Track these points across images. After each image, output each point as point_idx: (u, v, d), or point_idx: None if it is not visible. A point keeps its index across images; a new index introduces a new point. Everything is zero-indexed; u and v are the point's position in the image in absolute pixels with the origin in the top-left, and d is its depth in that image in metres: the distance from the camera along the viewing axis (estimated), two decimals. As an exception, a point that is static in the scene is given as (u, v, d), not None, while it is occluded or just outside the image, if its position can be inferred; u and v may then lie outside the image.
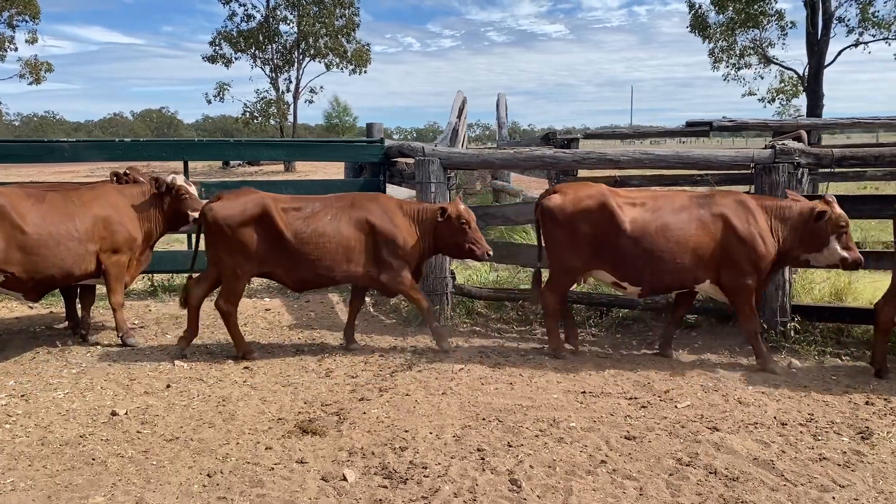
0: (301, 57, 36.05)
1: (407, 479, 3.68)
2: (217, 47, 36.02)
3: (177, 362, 5.71)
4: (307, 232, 5.62)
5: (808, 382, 5.07)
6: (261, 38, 35.61)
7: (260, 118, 35.68)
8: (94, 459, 4.00)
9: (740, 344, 5.75)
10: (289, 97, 35.96)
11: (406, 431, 4.31)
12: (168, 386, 5.19)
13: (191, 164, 8.09)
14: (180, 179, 6.25)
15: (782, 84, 28.14)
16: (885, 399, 4.75)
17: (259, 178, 28.83)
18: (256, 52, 36.07)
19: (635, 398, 4.81)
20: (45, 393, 5.06)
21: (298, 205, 5.77)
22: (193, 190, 6.27)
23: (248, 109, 35.46)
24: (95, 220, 5.91)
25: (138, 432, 4.38)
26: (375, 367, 5.57)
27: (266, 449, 4.10)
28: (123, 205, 6.12)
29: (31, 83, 37.52)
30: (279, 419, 4.55)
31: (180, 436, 4.31)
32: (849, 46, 25.93)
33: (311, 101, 38.04)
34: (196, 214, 6.03)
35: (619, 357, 5.69)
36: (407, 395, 4.93)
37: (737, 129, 9.24)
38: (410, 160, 7.82)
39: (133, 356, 5.89)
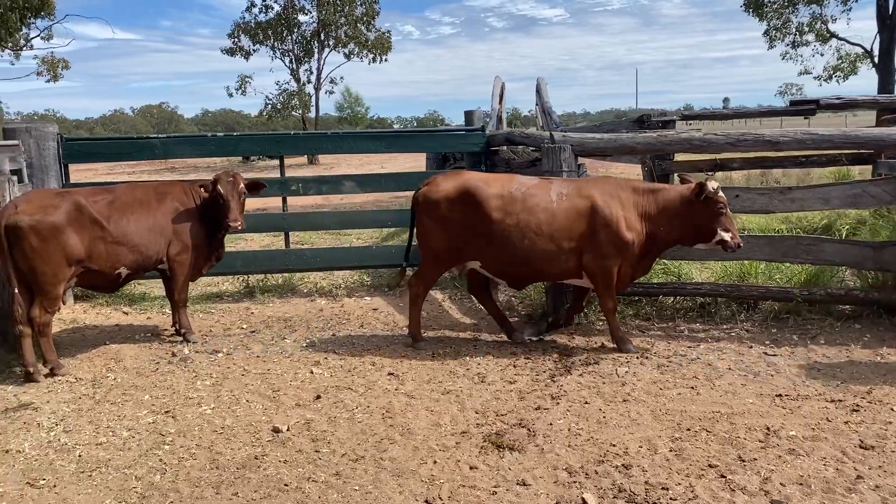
0: (321, 47, 35.56)
1: (655, 503, 3.30)
2: (236, 39, 35.57)
3: (314, 370, 5.35)
4: None
5: None
6: (280, 29, 35.16)
7: (282, 110, 35.24)
8: (286, 485, 3.64)
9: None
10: (310, 88, 35.52)
11: (613, 446, 3.93)
12: (318, 397, 4.83)
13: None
14: (720, 188, 5.28)
15: (839, 61, 27.46)
16: None
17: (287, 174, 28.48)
18: (275, 43, 35.62)
19: (839, 400, 4.42)
20: (189, 408, 4.70)
21: None
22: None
23: (271, 101, 35.02)
24: (578, 217, 5.34)
25: (316, 451, 4.01)
26: (528, 370, 5.20)
27: (471, 469, 3.73)
28: (626, 203, 5.35)
29: (48, 81, 37.11)
30: (462, 433, 4.18)
31: (364, 455, 3.95)
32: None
33: (331, 93, 37.52)
34: (728, 236, 5.21)
35: (787, 354, 5.30)
36: (586, 403, 4.55)
37: (843, 106, 8.81)
38: (517, 147, 7.43)
39: (262, 364, 5.53)
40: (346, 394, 4.87)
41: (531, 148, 7.03)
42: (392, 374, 5.24)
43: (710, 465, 3.65)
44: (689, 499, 3.33)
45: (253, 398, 4.84)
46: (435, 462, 3.82)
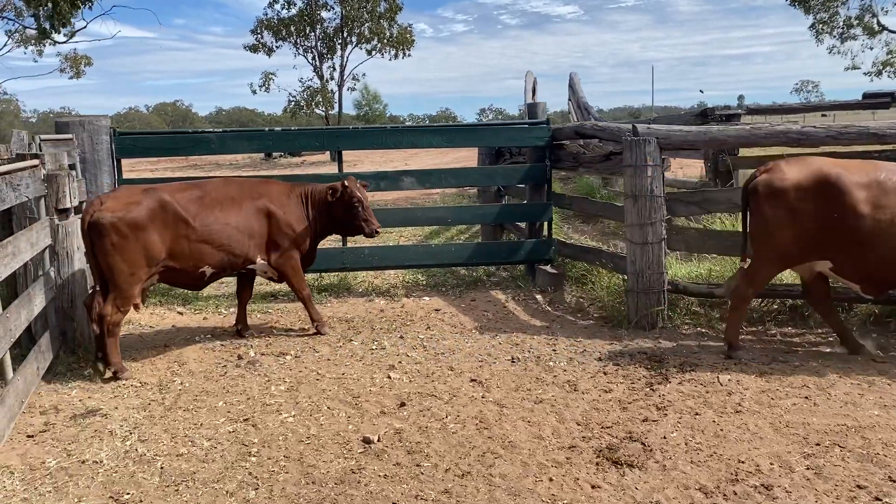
0: (344, 43, 35.34)
1: (814, 531, 2.99)
2: (259, 36, 35.41)
3: (391, 374, 5.08)
4: None
5: None
6: (303, 26, 34.96)
7: (305, 108, 35.05)
8: (394, 504, 3.36)
9: None
10: (333, 85, 35.31)
11: (741, 462, 3.62)
12: (402, 404, 4.54)
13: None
14: None
15: (889, 56, 26.80)
16: None
17: (308, 171, 28.28)
18: (298, 39, 35.43)
19: (974, 414, 4.09)
20: (268, 416, 4.43)
21: None
22: None
23: (294, 98, 34.84)
24: None
25: (417, 466, 3.73)
26: (621, 378, 4.89)
27: (593, 488, 3.43)
28: None
29: (71, 77, 37.22)
30: (570, 447, 3.88)
31: (470, 470, 3.66)
32: None
33: (353, 89, 37.31)
34: None
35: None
36: (696, 414, 4.24)
37: (919, 99, 8.41)
38: (588, 141, 7.11)
39: (335, 368, 5.25)
40: (430, 401, 4.59)
41: (602, 141, 6.71)
42: (474, 380, 4.95)
43: (858, 487, 3.33)
44: (850, 526, 3.02)
45: (334, 405, 4.57)
46: (551, 480, 3.52)
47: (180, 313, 6.91)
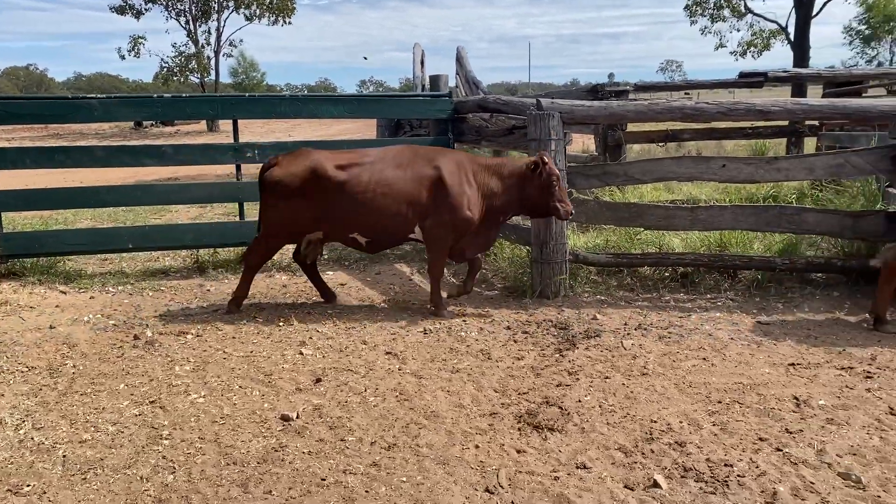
0: (220, 8, 33.75)
1: (727, 482, 3.20)
2: (126, -4, 33.18)
3: (302, 350, 4.97)
4: None
5: None
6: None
7: (178, 74, 33.26)
8: (323, 479, 3.31)
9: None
10: (209, 51, 33.68)
11: (654, 422, 3.81)
12: (318, 380, 4.46)
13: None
14: None
15: (753, 37, 28.58)
16: None
17: (185, 141, 27.03)
18: (170, 2, 33.49)
19: (850, 368, 4.49)
20: (177, 397, 4.23)
21: None
22: None
23: (167, 65, 32.98)
24: None
25: (341, 440, 3.68)
26: (531, 345, 5.02)
27: (519, 452, 3.52)
28: None
29: None
30: (491, 414, 3.96)
31: (396, 442, 3.65)
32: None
33: (230, 56, 35.75)
34: None
35: (779, 323, 5.36)
36: (606, 378, 4.42)
37: (789, 79, 9.04)
38: (486, 115, 7.17)
39: (242, 346, 5.08)
40: (347, 376, 4.53)
41: (505, 115, 6.79)
42: (389, 353, 4.93)
43: (760, 439, 3.59)
44: (758, 475, 3.25)
45: (246, 384, 4.42)
46: (477, 447, 3.57)
47: (63, 292, 6.45)
